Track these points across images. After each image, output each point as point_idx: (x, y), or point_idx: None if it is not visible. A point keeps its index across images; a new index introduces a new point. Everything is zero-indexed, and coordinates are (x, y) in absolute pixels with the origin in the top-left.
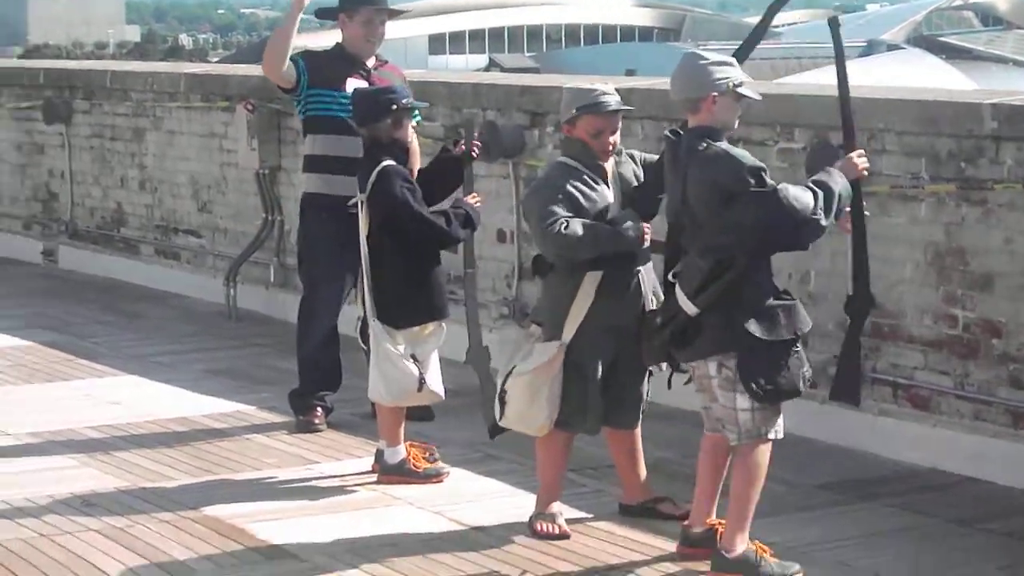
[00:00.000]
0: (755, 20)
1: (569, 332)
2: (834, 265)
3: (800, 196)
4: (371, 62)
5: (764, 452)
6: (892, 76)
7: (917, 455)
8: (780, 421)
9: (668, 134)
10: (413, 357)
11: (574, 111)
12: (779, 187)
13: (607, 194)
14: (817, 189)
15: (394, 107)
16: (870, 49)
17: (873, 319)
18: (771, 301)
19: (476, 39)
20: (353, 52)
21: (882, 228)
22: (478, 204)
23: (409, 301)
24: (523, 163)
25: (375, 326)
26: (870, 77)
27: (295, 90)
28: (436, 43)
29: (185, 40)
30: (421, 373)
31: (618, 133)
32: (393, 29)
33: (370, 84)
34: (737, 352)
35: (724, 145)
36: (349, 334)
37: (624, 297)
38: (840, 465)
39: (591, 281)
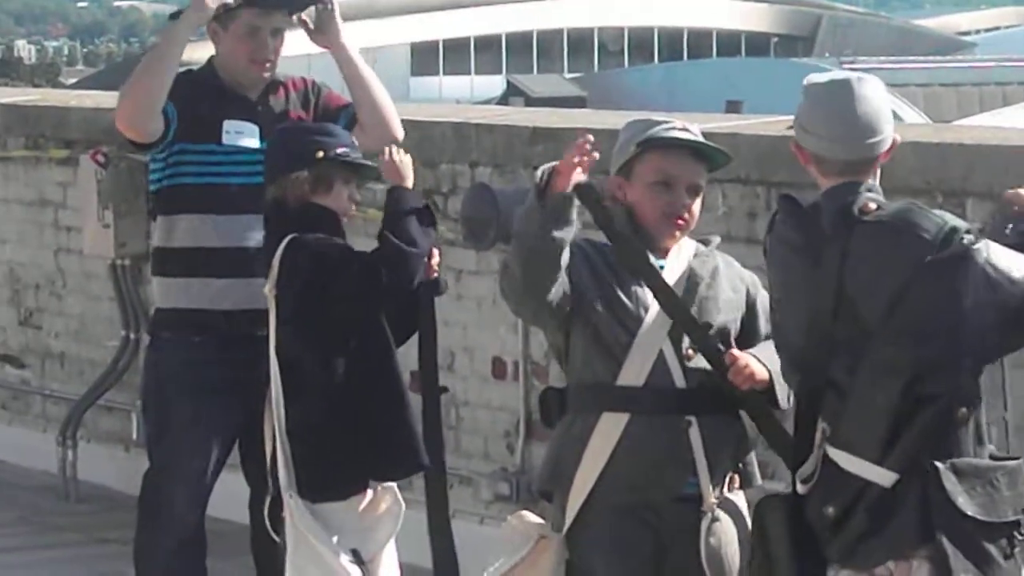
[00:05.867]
0: (927, 22)
1: (571, 513)
2: None
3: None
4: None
5: None
6: None
7: None
8: None
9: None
10: (355, 554)
11: (633, 148)
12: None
13: (646, 299)
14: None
15: (319, 154)
16: None
17: None
18: (982, 458)
19: (487, 51)
20: (229, 81)
21: None
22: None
23: (349, 452)
24: None
25: (293, 504)
26: None
27: (155, 147)
28: (423, 56)
29: (24, 49)
30: None
31: (698, 201)
32: (355, 35)
33: (260, 125)
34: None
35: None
36: (221, 516)
37: (662, 457)
38: None
39: (609, 426)
